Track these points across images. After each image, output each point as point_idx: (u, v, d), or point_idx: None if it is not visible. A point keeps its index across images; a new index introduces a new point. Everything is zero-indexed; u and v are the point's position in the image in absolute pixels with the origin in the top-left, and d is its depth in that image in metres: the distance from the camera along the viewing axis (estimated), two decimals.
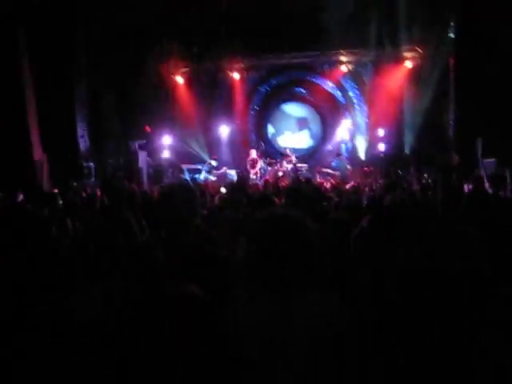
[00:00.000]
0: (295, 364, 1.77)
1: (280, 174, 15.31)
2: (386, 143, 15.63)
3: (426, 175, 11.44)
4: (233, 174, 16.02)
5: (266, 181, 12.24)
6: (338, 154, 15.95)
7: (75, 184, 11.82)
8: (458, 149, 13.24)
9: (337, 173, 15.03)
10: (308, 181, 10.07)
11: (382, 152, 15.50)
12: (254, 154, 16.21)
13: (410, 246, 3.02)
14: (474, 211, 3.70)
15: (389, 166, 13.96)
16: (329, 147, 17.18)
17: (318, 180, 13.45)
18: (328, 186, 11.29)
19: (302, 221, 1.93)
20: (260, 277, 1.87)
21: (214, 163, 16.16)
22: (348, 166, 15.23)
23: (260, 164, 16.07)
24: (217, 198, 6.76)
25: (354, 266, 3.34)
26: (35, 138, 12.77)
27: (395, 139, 15.59)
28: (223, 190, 9.44)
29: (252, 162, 16.05)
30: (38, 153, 12.74)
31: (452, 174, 10.03)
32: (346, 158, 16.05)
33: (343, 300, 1.90)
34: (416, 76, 15.26)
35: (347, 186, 10.29)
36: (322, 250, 2.65)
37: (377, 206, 4.33)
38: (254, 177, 15.61)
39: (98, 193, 8.61)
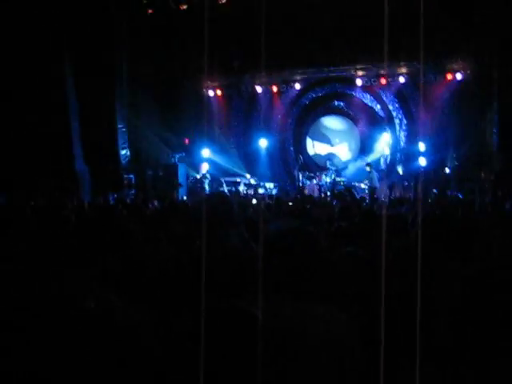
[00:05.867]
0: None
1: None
2: (426, 157, 15.30)
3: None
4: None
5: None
6: (368, 164, 15.42)
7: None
8: (502, 165, 12.89)
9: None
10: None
11: (422, 167, 15.15)
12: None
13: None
14: None
15: (427, 182, 13.66)
16: (366, 160, 16.87)
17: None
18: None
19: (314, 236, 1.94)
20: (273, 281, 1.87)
21: (252, 181, 16.29)
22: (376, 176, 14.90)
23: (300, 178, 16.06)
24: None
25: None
26: (77, 149, 13.10)
27: (436, 154, 15.25)
28: (254, 201, 9.50)
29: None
30: (79, 164, 13.06)
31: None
32: (383, 171, 15.74)
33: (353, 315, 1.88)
34: (459, 89, 15.00)
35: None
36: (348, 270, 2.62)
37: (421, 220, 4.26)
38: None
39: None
